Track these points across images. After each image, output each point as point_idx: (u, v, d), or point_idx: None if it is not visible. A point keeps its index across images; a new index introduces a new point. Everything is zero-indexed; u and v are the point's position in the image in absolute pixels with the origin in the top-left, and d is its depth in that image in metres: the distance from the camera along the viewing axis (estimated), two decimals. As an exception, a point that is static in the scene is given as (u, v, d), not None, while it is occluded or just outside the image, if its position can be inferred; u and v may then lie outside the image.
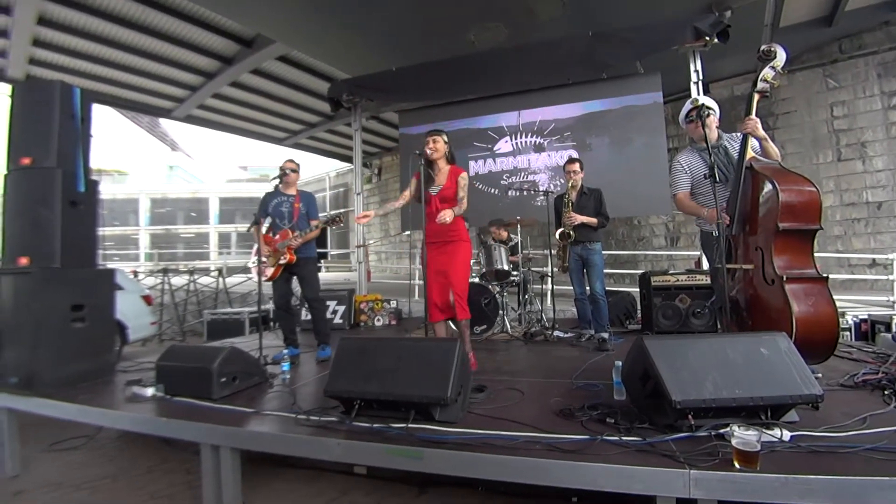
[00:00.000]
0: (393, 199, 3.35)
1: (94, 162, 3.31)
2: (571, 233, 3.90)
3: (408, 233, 7.13)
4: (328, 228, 3.91)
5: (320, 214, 3.91)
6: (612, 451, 1.64)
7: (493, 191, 6.67)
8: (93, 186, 3.23)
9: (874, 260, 7.08)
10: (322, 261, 12.96)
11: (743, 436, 1.48)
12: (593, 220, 3.89)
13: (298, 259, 3.65)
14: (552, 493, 2.01)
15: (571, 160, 4.14)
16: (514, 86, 6.21)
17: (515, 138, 6.58)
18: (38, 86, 3.26)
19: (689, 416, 1.71)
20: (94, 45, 7.27)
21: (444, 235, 3.12)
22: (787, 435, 1.65)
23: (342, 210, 4.10)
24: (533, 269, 5.11)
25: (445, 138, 3.19)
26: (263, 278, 3.58)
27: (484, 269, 4.60)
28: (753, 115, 2.41)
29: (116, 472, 2.64)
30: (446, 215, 2.97)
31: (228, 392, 2.55)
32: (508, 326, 4.57)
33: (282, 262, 3.58)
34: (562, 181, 6.10)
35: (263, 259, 3.59)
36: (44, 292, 2.82)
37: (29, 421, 2.79)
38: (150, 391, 2.57)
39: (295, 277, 3.79)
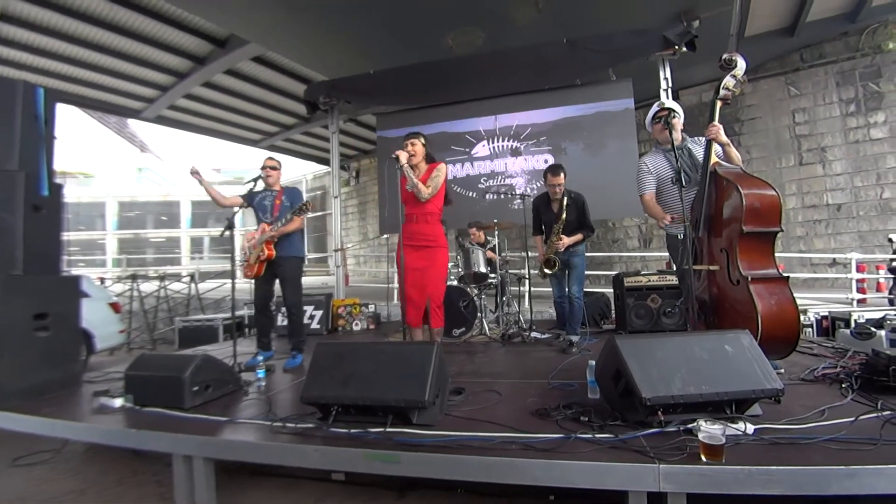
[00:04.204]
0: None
1: (59, 164, 3.20)
2: (557, 261, 3.78)
3: (386, 236, 7.11)
4: (304, 230, 3.84)
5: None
6: (586, 449, 1.68)
7: (470, 194, 6.72)
8: (57, 190, 3.12)
9: (834, 259, 7.43)
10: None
11: (709, 430, 1.54)
12: (579, 238, 3.83)
13: (279, 257, 3.50)
14: (530, 492, 2.04)
15: (555, 171, 3.83)
16: (491, 90, 6.27)
17: (492, 142, 6.64)
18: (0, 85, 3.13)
19: (659, 413, 1.76)
20: (60, 42, 7.00)
21: (422, 239, 3.12)
22: (750, 428, 1.73)
23: (307, 199, 4.04)
24: (510, 271, 5.16)
25: (423, 140, 3.17)
26: (245, 276, 3.52)
27: (462, 272, 4.63)
28: (717, 122, 2.52)
29: (84, 487, 2.54)
30: (416, 184, 2.99)
31: (201, 401, 2.49)
32: (486, 328, 4.60)
33: (262, 257, 3.44)
34: (538, 184, 6.20)
35: (244, 256, 3.52)
36: (5, 300, 2.71)
37: (-11, 436, 2.67)
38: (118, 402, 2.49)
39: (277, 280, 3.66)
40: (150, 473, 2.64)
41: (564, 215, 3.77)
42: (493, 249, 4.98)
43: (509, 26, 6.19)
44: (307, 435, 1.99)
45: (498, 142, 6.61)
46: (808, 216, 7.88)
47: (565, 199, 3.79)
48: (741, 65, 2.48)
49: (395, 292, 6.46)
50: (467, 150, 6.75)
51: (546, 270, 3.83)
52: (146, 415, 2.38)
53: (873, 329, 3.31)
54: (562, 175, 3.81)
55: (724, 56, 2.52)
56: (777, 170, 7.99)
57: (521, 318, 4.79)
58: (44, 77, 7.76)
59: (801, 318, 2.44)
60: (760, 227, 2.36)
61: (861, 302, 6.01)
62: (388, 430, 1.91)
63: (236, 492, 2.40)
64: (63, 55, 7.39)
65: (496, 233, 4.95)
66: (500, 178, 6.60)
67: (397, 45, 6.61)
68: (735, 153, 2.55)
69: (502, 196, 6.26)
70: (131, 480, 2.60)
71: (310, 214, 3.54)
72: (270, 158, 3.77)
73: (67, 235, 3.34)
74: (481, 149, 6.69)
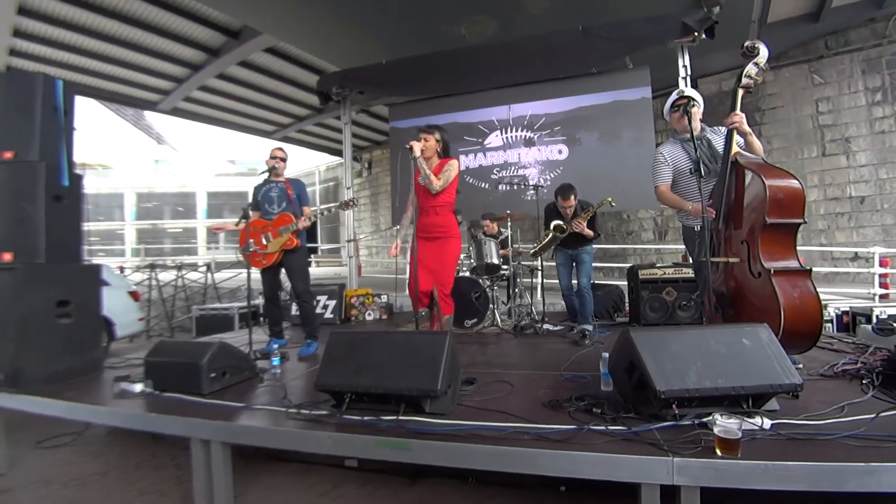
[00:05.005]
0: (404, 218, 3.41)
1: (78, 156, 3.25)
2: (566, 228, 3.94)
3: (398, 227, 7.11)
4: (318, 222, 3.92)
5: (322, 206, 3.88)
6: (598, 441, 1.67)
7: (483, 185, 6.68)
8: (77, 180, 3.18)
9: (856, 253, 7.24)
10: (311, 255, 12.91)
11: (724, 424, 1.52)
12: (590, 233, 3.95)
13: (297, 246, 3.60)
14: (541, 482, 2.05)
15: (565, 195, 3.97)
16: (504, 80, 6.20)
17: (506, 132, 6.58)
18: (20, 78, 3.19)
19: (674, 406, 1.74)
20: (77, 35, 7.12)
21: (434, 230, 3.15)
22: (767, 423, 1.69)
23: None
24: (523, 262, 5.13)
25: (438, 136, 3.15)
26: (257, 265, 3.55)
27: (475, 264, 4.62)
28: (738, 111, 2.45)
29: (105, 469, 2.63)
30: (428, 175, 3.01)
31: (218, 387, 2.54)
32: (499, 320, 4.59)
33: (287, 246, 3.51)
34: (552, 175, 6.15)
35: (261, 245, 3.53)
36: (28, 288, 2.78)
37: (15, 419, 2.75)
38: (138, 387, 2.55)
39: (283, 270, 3.72)
40: (169, 457, 2.71)
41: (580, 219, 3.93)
42: (504, 243, 4.96)
43: (522, 15, 6.09)
44: (321, 421, 2.01)
45: (511, 132, 6.55)
46: (830, 209, 7.66)
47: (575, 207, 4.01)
48: (763, 52, 2.40)
49: (407, 283, 6.49)
50: (480, 140, 6.71)
51: (557, 233, 4.00)
52: (165, 400, 2.43)
53: (896, 325, 3.22)
54: (572, 197, 3.97)
55: (746, 43, 2.44)
56: (799, 161, 7.78)
57: (534, 310, 4.77)
58: (62, 70, 7.89)
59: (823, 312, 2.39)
60: (784, 219, 2.30)
61: (883, 297, 5.84)
62: (401, 418, 1.92)
63: (252, 476, 2.45)
64: (81, 48, 7.50)
65: (509, 224, 4.93)
66: (513, 168, 6.55)
67: (410, 35, 6.56)
68: (757, 143, 2.47)
69: (515, 187, 6.22)
70: (150, 464, 2.67)
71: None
72: (279, 149, 3.82)
73: (87, 226, 3.40)
74: (494, 139, 6.64)
